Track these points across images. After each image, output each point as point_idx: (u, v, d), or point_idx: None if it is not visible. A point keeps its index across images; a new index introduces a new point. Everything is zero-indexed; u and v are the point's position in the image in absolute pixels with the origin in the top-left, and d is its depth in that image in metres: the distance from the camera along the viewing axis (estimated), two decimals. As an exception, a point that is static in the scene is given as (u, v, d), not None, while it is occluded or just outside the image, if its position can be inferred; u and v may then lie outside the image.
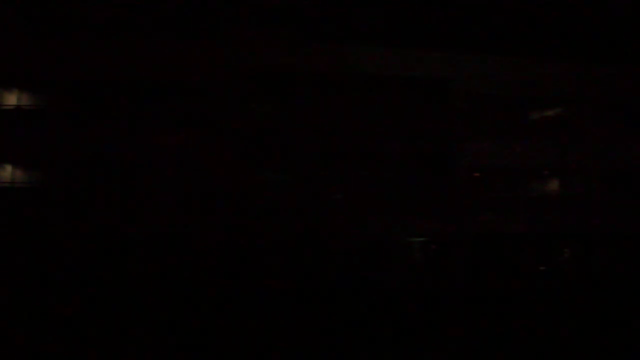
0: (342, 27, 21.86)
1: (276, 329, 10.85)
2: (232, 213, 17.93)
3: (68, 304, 13.22)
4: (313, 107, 19.37)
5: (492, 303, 14.84)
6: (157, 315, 12.10)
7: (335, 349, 9.19)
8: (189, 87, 18.96)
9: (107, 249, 17.45)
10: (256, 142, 18.83)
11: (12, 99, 18.88)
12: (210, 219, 17.83)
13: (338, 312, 12.88)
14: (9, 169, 18.78)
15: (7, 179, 18.65)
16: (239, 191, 18.32)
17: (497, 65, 20.87)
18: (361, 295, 15.78)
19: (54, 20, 20.02)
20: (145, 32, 20.14)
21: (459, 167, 19.80)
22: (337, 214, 18.51)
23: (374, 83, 19.91)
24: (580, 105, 21.20)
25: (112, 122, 18.51)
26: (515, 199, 20.11)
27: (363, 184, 19.20)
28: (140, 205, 17.88)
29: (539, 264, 19.74)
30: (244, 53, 19.34)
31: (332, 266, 17.95)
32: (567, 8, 23.10)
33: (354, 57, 19.88)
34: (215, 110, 18.77)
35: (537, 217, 19.78)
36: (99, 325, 10.79)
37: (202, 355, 8.87)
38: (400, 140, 19.42)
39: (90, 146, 18.26)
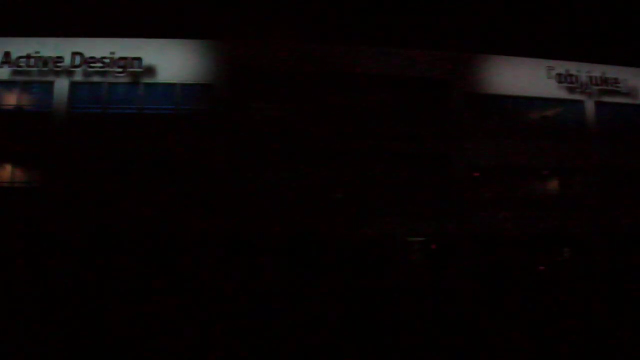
0: (341, 28, 21.87)
1: (276, 328, 10.85)
2: (232, 213, 17.89)
3: (68, 304, 13.21)
4: (313, 106, 19.31)
5: (491, 303, 14.85)
6: (160, 315, 12.09)
7: (334, 348, 9.19)
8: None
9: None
10: (256, 141, 18.78)
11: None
12: (211, 219, 17.79)
13: (338, 312, 12.89)
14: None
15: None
16: (239, 191, 18.29)
17: (497, 65, 20.94)
18: (361, 294, 15.79)
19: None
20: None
21: (459, 167, 19.76)
22: (337, 214, 18.43)
23: (374, 83, 19.86)
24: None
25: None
26: (515, 198, 20.05)
27: (363, 184, 19.14)
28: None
29: (538, 264, 19.71)
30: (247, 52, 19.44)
31: (331, 266, 17.90)
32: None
33: (354, 57, 19.86)
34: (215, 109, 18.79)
35: (537, 217, 19.73)
36: (99, 325, 10.77)
37: (203, 356, 8.86)
38: (400, 140, 19.37)
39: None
